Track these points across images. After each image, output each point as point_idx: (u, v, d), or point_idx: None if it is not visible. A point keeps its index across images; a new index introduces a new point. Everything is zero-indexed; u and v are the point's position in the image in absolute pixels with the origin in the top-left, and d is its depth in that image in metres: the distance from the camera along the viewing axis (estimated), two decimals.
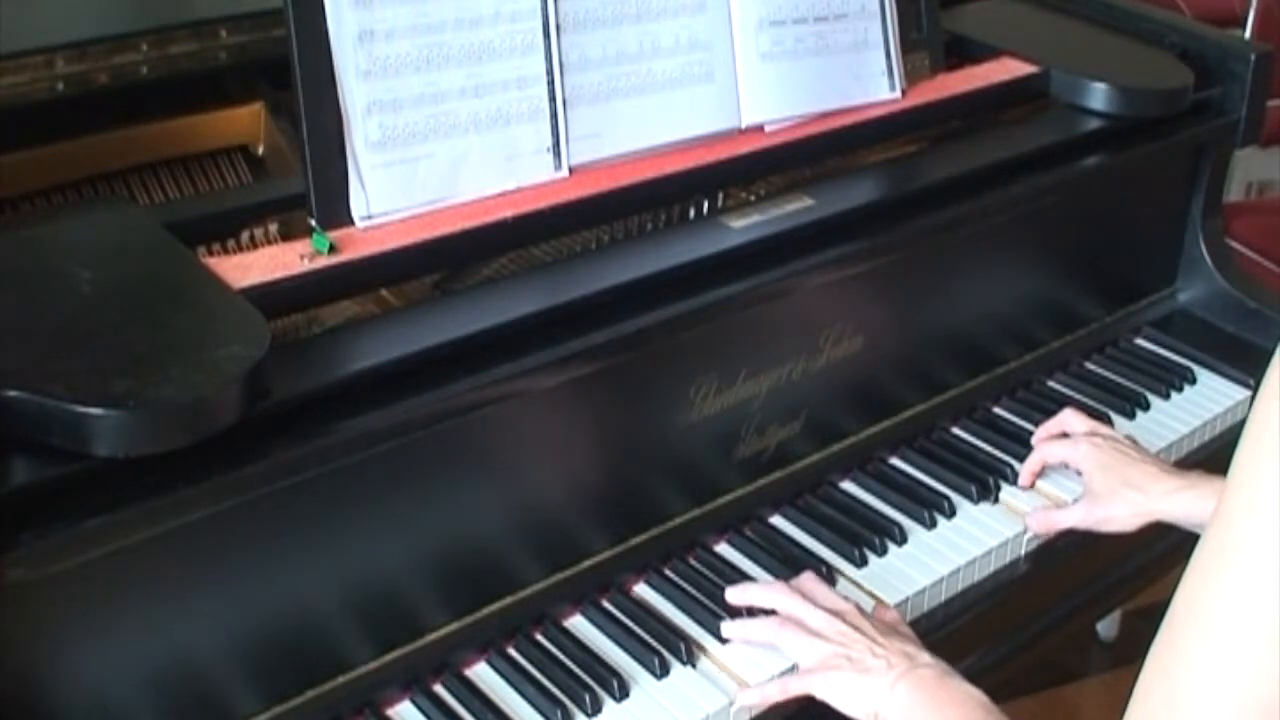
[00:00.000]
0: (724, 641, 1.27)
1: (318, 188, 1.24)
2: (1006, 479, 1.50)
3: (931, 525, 1.43)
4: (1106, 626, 2.56)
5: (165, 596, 1.05)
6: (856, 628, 1.21)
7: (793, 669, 1.23)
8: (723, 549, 1.39)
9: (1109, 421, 1.60)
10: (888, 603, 1.33)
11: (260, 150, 1.50)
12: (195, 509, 1.03)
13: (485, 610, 1.24)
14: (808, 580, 1.30)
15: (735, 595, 1.29)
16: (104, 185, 1.40)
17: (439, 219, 1.28)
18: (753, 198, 1.48)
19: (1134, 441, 1.49)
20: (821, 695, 1.19)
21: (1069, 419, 1.52)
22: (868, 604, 1.31)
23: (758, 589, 1.29)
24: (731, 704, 1.21)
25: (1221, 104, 1.79)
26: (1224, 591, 0.82)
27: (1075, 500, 1.46)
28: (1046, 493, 1.50)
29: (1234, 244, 2.36)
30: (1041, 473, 1.51)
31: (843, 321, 1.44)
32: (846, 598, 1.27)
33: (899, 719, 1.15)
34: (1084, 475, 1.46)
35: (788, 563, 1.36)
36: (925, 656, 1.19)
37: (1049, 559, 1.46)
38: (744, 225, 1.38)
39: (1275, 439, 0.81)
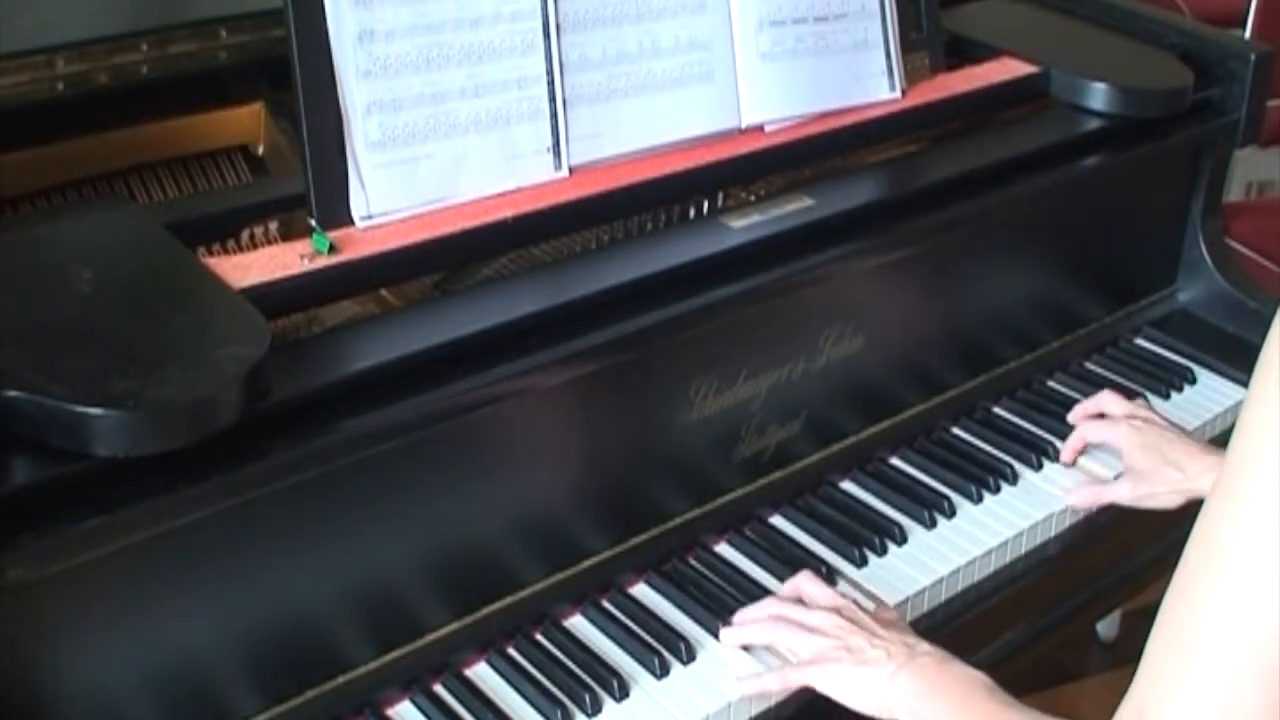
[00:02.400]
0: None
1: (318, 188, 1.24)
2: (1006, 479, 1.50)
3: (931, 525, 1.43)
4: (1106, 626, 2.56)
5: (165, 596, 1.05)
6: (853, 620, 1.21)
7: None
8: (723, 549, 1.39)
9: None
10: (887, 603, 1.33)
11: (260, 150, 1.50)
12: (195, 509, 1.03)
13: (485, 610, 1.24)
14: (804, 579, 1.30)
15: (730, 636, 1.26)
16: (104, 185, 1.40)
17: (439, 219, 1.28)
18: (753, 198, 1.48)
19: (1170, 422, 1.51)
20: (821, 688, 1.19)
21: (1107, 400, 1.55)
22: (867, 605, 1.31)
23: (751, 610, 1.28)
24: (731, 704, 1.21)
25: (1221, 104, 1.78)
26: (1235, 535, 0.84)
27: (1117, 476, 1.48)
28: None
29: (1234, 244, 2.35)
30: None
31: (843, 321, 1.44)
32: (843, 594, 1.27)
33: (903, 708, 1.15)
34: (1124, 455, 1.48)
35: (788, 563, 1.35)
36: (924, 645, 1.19)
37: (1048, 559, 1.46)
38: (744, 225, 1.37)
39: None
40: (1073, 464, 1.53)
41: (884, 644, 1.18)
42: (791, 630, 1.23)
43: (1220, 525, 0.85)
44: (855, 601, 1.26)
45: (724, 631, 1.27)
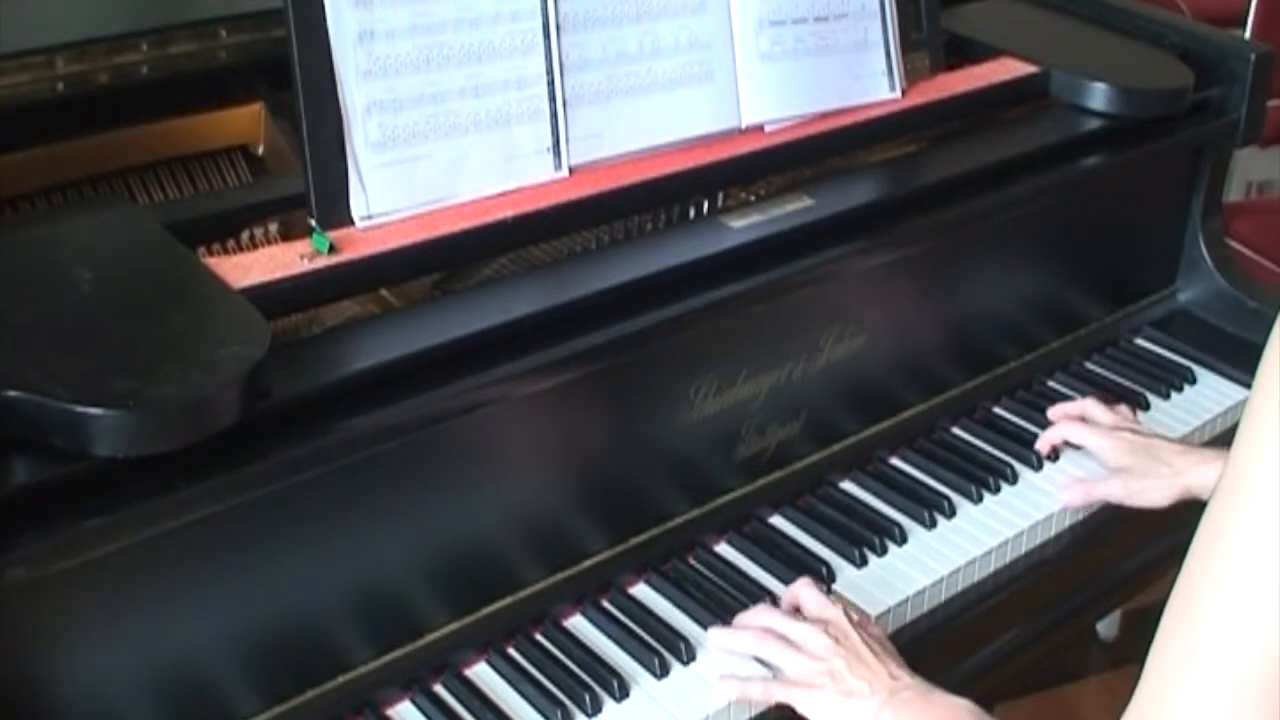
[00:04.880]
0: None
1: (318, 188, 1.24)
2: (1007, 479, 1.50)
3: (931, 525, 1.43)
4: (1106, 626, 2.56)
5: (165, 596, 1.05)
6: (839, 640, 1.21)
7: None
8: (723, 549, 1.39)
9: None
10: (887, 603, 1.33)
11: (260, 150, 1.50)
12: (195, 509, 1.03)
13: (485, 610, 1.24)
14: (802, 586, 1.29)
15: (717, 639, 1.26)
16: (104, 185, 1.40)
17: (439, 219, 1.28)
18: (753, 198, 1.48)
19: (1169, 424, 1.52)
20: (803, 710, 1.19)
21: (1091, 407, 1.55)
22: (867, 608, 1.30)
23: (748, 616, 1.27)
24: (731, 705, 1.21)
25: (1221, 104, 1.78)
26: (1236, 541, 0.83)
27: (1109, 475, 1.48)
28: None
29: (1234, 244, 2.35)
30: (1056, 456, 1.54)
31: (843, 321, 1.44)
32: (836, 600, 1.27)
33: None
34: (1111, 461, 1.49)
35: (788, 563, 1.36)
36: (907, 679, 1.18)
37: (1048, 559, 1.46)
38: (744, 225, 1.37)
39: None
40: (1050, 455, 1.53)
41: (867, 674, 1.18)
42: (778, 646, 1.22)
43: (1221, 531, 0.85)
44: (845, 609, 1.25)
45: (712, 633, 1.26)
